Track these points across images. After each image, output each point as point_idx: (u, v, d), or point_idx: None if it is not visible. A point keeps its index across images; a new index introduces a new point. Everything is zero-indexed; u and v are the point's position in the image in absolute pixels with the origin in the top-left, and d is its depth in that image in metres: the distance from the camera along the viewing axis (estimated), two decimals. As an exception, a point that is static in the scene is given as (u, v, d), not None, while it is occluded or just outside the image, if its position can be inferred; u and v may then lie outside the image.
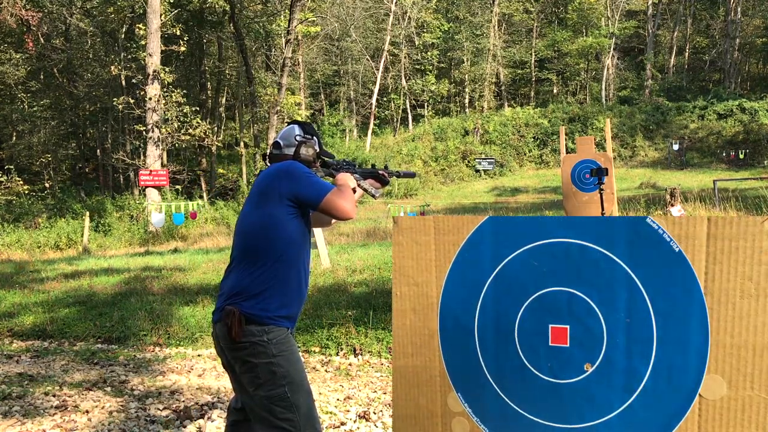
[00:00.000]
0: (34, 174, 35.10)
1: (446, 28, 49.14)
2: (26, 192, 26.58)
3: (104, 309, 7.85)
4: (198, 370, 5.68)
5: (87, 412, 4.58)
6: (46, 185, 31.30)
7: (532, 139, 40.90)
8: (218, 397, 4.85)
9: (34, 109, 36.68)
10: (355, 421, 4.29)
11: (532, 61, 52.38)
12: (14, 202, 25.29)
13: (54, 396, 4.97)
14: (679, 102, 42.17)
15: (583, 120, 40.42)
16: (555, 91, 52.46)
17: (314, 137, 2.92)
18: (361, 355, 5.95)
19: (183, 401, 4.79)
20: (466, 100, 50.82)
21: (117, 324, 7.23)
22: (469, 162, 40.39)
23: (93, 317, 7.55)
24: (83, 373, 5.65)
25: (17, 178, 26.81)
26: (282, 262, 2.60)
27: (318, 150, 2.91)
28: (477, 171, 39.47)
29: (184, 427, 4.27)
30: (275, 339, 2.56)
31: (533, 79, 52.99)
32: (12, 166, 28.62)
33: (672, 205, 12.01)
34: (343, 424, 4.25)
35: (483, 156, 39.95)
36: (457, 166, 40.31)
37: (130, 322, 7.20)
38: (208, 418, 4.42)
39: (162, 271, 10.76)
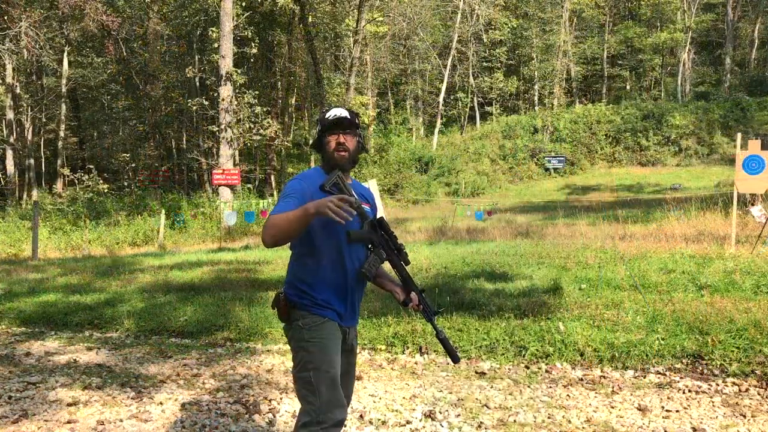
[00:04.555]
0: (114, 173, 36.48)
1: (515, 25, 48.49)
2: (106, 191, 27.62)
3: (178, 304, 8.09)
4: (267, 365, 5.79)
5: (161, 403, 4.73)
6: (125, 184, 32.46)
7: (604, 137, 39.89)
8: (286, 392, 4.94)
9: (115, 110, 38.14)
10: (420, 420, 4.29)
11: (604, 57, 51.11)
12: (95, 200, 26.33)
13: (130, 387, 5.16)
14: (761, 97, 40.31)
15: (658, 117, 39.17)
16: (628, 87, 51.04)
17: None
18: (427, 353, 5.94)
19: (252, 395, 4.89)
20: (536, 98, 50.02)
21: (190, 318, 7.44)
22: (538, 160, 39.74)
23: (167, 312, 7.79)
24: (158, 366, 5.84)
25: (98, 177, 27.89)
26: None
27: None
28: (546, 170, 38.80)
29: (253, 420, 4.36)
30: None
31: (605, 76, 51.71)
32: (93, 166, 29.82)
33: (752, 205, 11.51)
34: (408, 422, 4.25)
35: (553, 154, 39.23)
36: (525, 164, 39.72)
37: (202, 317, 7.40)
38: (277, 412, 4.50)
39: (234, 267, 11.00)
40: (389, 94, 50.98)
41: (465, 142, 43.36)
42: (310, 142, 2.94)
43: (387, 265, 2.92)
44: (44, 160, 38.69)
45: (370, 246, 2.84)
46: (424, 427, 4.18)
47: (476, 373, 5.36)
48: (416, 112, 50.13)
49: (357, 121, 2.94)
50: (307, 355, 2.76)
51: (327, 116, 2.91)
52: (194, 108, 28.52)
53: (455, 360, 2.89)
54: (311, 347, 2.76)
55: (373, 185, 10.38)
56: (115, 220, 22.49)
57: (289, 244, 2.79)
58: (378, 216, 2.91)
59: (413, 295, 2.90)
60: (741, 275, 7.19)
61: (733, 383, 4.76)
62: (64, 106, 35.17)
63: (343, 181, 2.81)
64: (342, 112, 2.91)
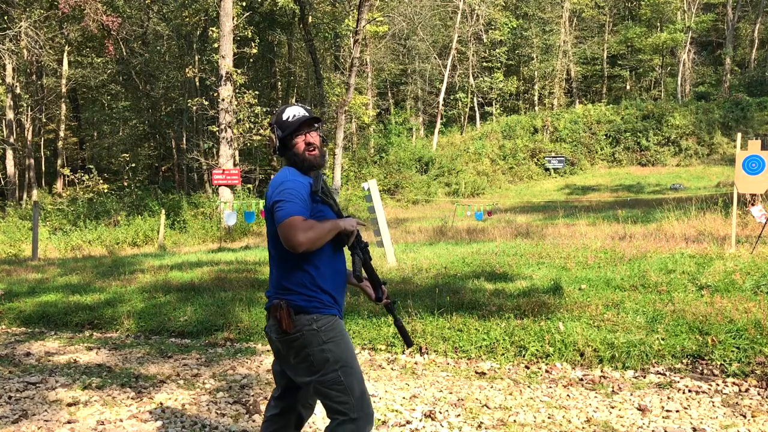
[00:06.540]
0: (114, 173, 36.49)
1: (515, 25, 48.50)
2: (106, 191, 27.63)
3: (178, 304, 8.09)
4: (267, 365, 5.79)
5: (161, 403, 4.73)
6: (125, 184, 32.49)
7: (604, 137, 39.90)
8: (286, 393, 4.93)
9: (115, 110, 38.14)
10: (420, 420, 4.29)
11: (604, 57, 51.11)
12: (95, 200, 26.34)
13: (130, 387, 5.16)
14: (761, 97, 40.33)
15: (658, 117, 39.16)
16: (628, 87, 51.04)
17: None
18: (427, 354, 5.94)
19: (252, 395, 4.89)
20: (536, 98, 50.02)
21: (190, 318, 7.44)
22: (538, 160, 39.74)
23: (167, 312, 7.79)
24: (158, 366, 5.84)
25: (98, 177, 27.91)
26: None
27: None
28: (546, 170, 38.81)
29: (253, 421, 4.36)
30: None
31: (605, 76, 51.70)
32: (93, 166, 29.82)
33: (752, 205, 11.50)
34: (408, 422, 4.25)
35: (553, 154, 39.24)
36: (525, 164, 39.73)
37: (202, 317, 7.40)
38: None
39: (234, 267, 11.00)
40: (389, 94, 50.96)
41: (465, 142, 43.36)
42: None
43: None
44: (44, 160, 38.71)
45: (349, 249, 2.89)
46: (424, 427, 4.18)
47: (476, 373, 5.36)
48: (416, 112, 50.13)
49: (315, 115, 2.91)
50: (331, 356, 2.70)
51: (286, 118, 2.85)
52: (194, 108, 28.51)
53: (409, 344, 3.00)
54: (333, 347, 2.71)
55: (373, 185, 10.37)
56: (115, 220, 22.49)
57: (274, 252, 2.82)
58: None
59: (384, 289, 2.98)
60: (741, 275, 7.18)
61: (733, 383, 4.76)
62: (64, 106, 35.18)
63: (325, 183, 2.84)
64: (301, 111, 2.87)
